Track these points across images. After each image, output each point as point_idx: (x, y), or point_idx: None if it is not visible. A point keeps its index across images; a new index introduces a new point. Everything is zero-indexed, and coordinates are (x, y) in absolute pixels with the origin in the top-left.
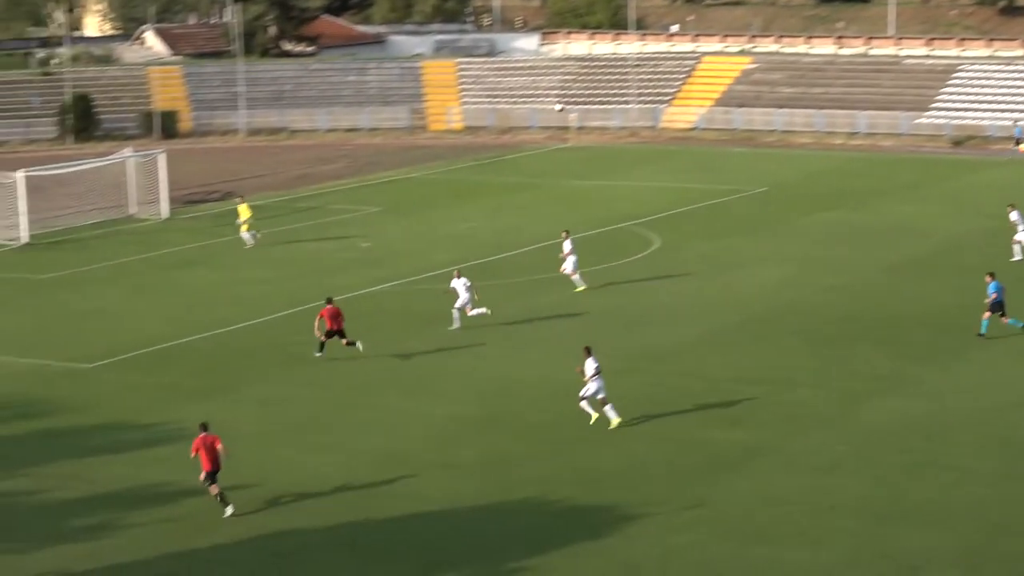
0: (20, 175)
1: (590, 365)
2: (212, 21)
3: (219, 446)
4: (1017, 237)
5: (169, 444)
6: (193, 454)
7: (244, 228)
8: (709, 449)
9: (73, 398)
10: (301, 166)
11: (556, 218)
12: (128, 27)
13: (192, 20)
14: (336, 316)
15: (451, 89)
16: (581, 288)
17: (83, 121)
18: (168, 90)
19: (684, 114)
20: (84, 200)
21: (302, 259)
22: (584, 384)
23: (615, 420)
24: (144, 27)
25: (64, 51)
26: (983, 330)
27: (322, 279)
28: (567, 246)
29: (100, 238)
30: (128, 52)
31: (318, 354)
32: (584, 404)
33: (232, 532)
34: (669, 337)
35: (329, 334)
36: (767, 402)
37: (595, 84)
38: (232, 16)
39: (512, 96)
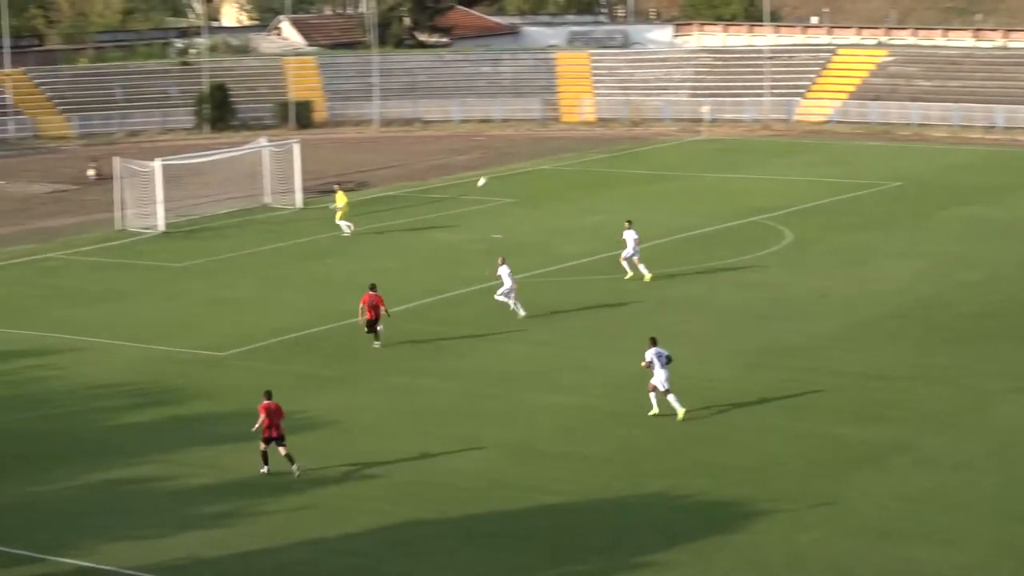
0: (157, 164)
1: (649, 355)
2: (347, 12)
3: (283, 415)
4: None
5: (301, 432)
6: (259, 423)
7: (339, 216)
8: (840, 445)
9: (207, 386)
10: (434, 157)
11: (688, 211)
12: (264, 17)
13: (328, 11)
14: (374, 305)
15: (584, 81)
16: (648, 277)
17: (219, 111)
18: (303, 80)
19: (818, 107)
20: (219, 189)
21: (433, 250)
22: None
23: (680, 411)
24: (280, 17)
25: (202, 41)
26: None
27: (453, 270)
28: (630, 235)
29: (235, 227)
30: (264, 42)
31: (376, 344)
32: (652, 395)
33: (361, 521)
34: (801, 332)
35: (369, 324)
36: (901, 399)
37: (728, 76)
38: (367, 7)
39: (645, 88)
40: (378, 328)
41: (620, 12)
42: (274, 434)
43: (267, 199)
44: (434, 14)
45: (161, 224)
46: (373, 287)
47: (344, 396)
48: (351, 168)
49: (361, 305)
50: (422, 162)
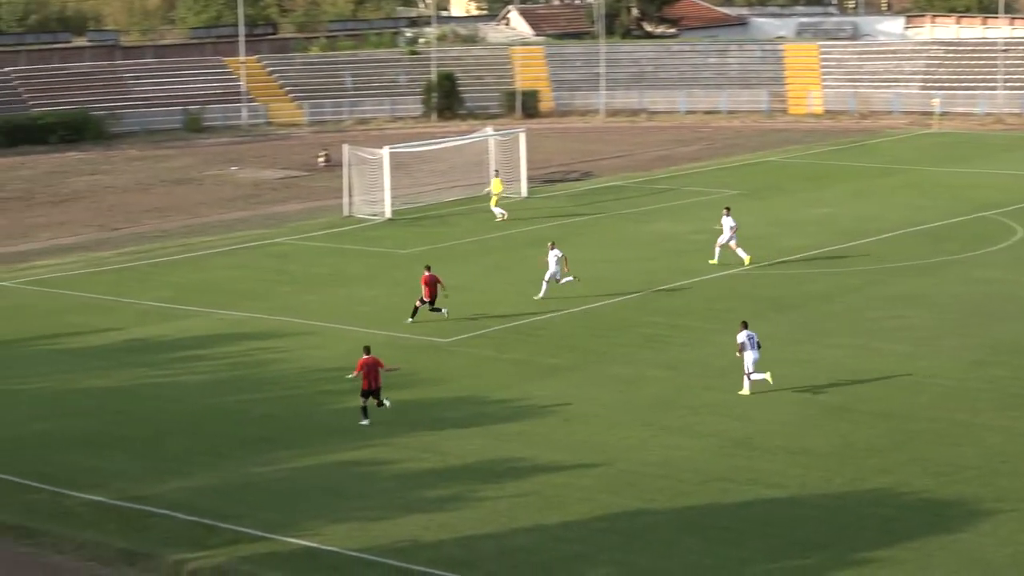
0: (385, 152)
1: (741, 337)
2: (576, 2)
3: (380, 368)
4: None
5: (522, 420)
6: (355, 373)
7: (494, 202)
8: None
9: (430, 371)
10: (659, 148)
11: (916, 205)
12: (494, 7)
13: (556, 1)
14: (432, 284)
15: (812, 72)
16: (747, 260)
17: (447, 99)
18: (530, 70)
19: None
20: (446, 177)
21: (656, 240)
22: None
23: (746, 390)
24: (509, 7)
25: (431, 31)
26: None
27: (675, 260)
28: (727, 222)
29: (460, 215)
30: (492, 32)
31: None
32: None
33: (580, 510)
34: None
35: (427, 302)
36: None
37: (961, 69)
38: None
39: (874, 80)
40: (441, 310)
41: (850, 3)
42: (373, 386)
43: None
44: (662, 4)
45: (387, 211)
46: (428, 268)
47: (565, 384)
48: (576, 158)
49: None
50: (647, 153)
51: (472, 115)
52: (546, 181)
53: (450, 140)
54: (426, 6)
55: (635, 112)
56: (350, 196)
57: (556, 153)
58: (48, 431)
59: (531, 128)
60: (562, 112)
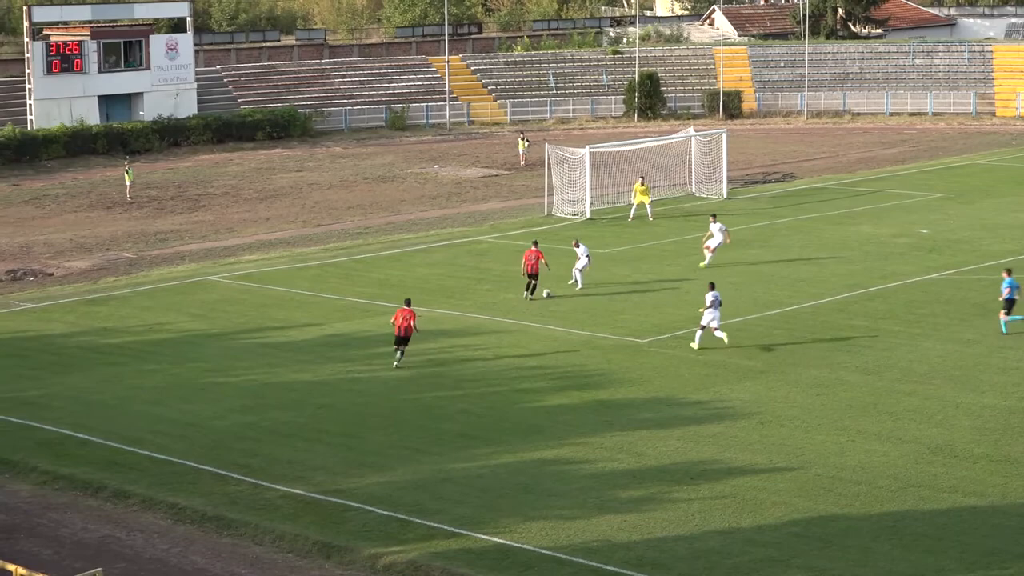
0: (586, 151)
1: (708, 298)
2: (781, 2)
3: (413, 322)
4: None
5: (718, 422)
6: (392, 320)
7: (634, 210)
8: None
9: (627, 371)
10: (862, 149)
11: None
12: (698, 7)
13: (761, 1)
14: (535, 261)
15: (1022, 74)
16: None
17: (649, 99)
18: (733, 70)
19: None
20: (647, 178)
21: (858, 243)
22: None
23: (725, 338)
24: (713, 7)
25: (634, 30)
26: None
27: (877, 264)
28: (716, 227)
29: (659, 216)
30: (696, 31)
31: (526, 294)
32: (698, 333)
33: (775, 513)
34: None
35: (530, 277)
36: None
37: None
38: None
39: None
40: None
41: None
42: (402, 333)
43: (692, 188)
44: (869, 5)
45: (587, 211)
46: (535, 243)
47: (762, 387)
48: (777, 159)
49: (524, 260)
50: (849, 154)
51: (674, 115)
52: (747, 182)
53: (651, 140)
54: (630, 6)
55: (838, 113)
56: (550, 195)
57: (757, 154)
58: (251, 424)
59: (733, 129)
60: (765, 113)
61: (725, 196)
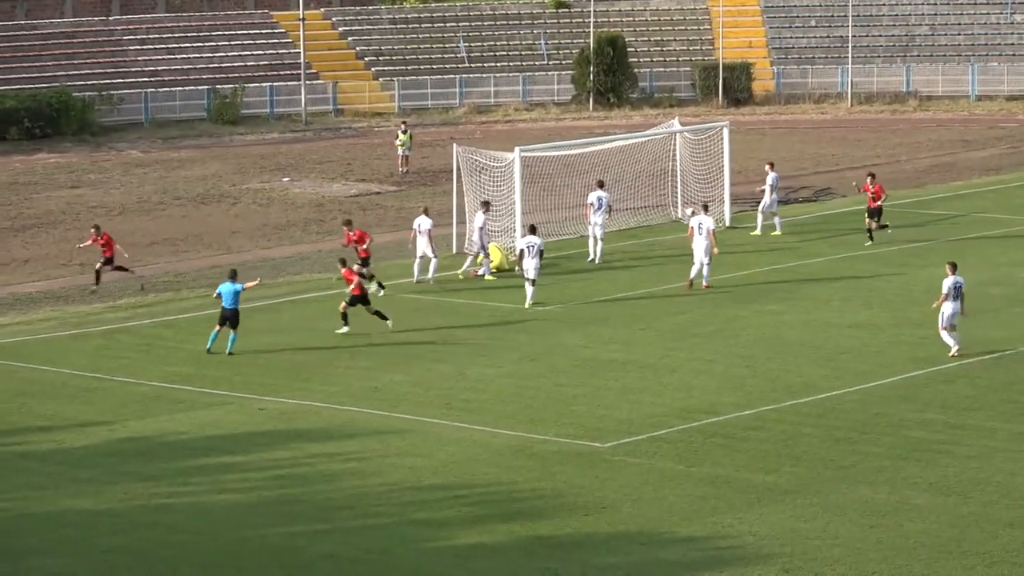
0: (516, 155)
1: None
2: None
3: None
4: None
5: (720, 570)
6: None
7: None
8: None
9: (579, 493)
10: (934, 152)
11: None
12: None
13: None
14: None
15: None
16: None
17: (611, 77)
18: (738, 32)
19: None
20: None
21: (930, 295)
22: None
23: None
24: None
25: None
26: None
27: (959, 327)
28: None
29: (627, 255)
30: None
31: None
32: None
33: None
34: None
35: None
36: None
37: None
38: None
39: None
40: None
41: None
42: (359, 292)
43: (677, 212)
44: None
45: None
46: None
47: (786, 515)
48: (807, 167)
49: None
50: (915, 160)
51: (649, 101)
52: (761, 201)
53: (614, 138)
54: None
55: (898, 97)
56: (460, 224)
57: (776, 159)
58: None
59: (738, 121)
60: (786, 97)
61: (727, 223)
